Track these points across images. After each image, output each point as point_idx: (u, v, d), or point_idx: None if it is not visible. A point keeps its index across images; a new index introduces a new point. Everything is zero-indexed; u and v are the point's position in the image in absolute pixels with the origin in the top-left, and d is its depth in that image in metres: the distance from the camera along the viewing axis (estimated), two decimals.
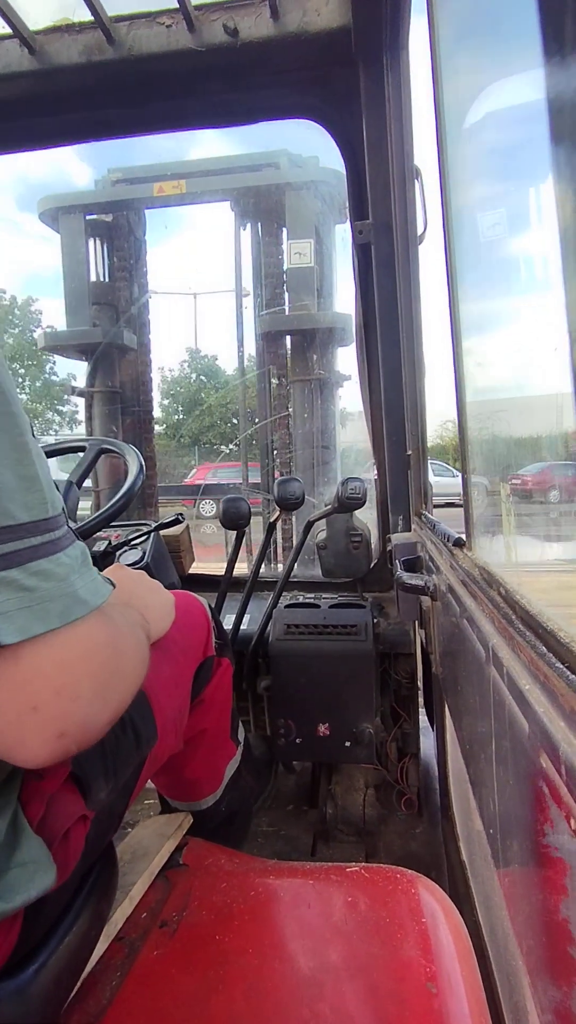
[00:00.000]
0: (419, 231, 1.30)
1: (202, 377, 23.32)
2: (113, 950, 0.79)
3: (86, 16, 1.35)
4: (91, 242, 5.09)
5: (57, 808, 0.62)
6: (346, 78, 1.35)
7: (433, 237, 1.23)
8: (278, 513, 1.49)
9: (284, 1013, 0.69)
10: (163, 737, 0.84)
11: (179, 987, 0.74)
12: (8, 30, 1.36)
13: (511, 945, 0.66)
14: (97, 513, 1.31)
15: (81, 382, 5.48)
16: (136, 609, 0.74)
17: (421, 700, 1.56)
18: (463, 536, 0.82)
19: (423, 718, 1.56)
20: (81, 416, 6.61)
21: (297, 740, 1.43)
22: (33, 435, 0.49)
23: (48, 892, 0.57)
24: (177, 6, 1.30)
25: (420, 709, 1.55)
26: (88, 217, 5.02)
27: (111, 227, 5.12)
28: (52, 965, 0.60)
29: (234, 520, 1.45)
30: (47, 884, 0.57)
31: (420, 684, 1.53)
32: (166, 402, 22.50)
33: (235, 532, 1.49)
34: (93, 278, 5.12)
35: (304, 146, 4.62)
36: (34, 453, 0.47)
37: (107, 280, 5.18)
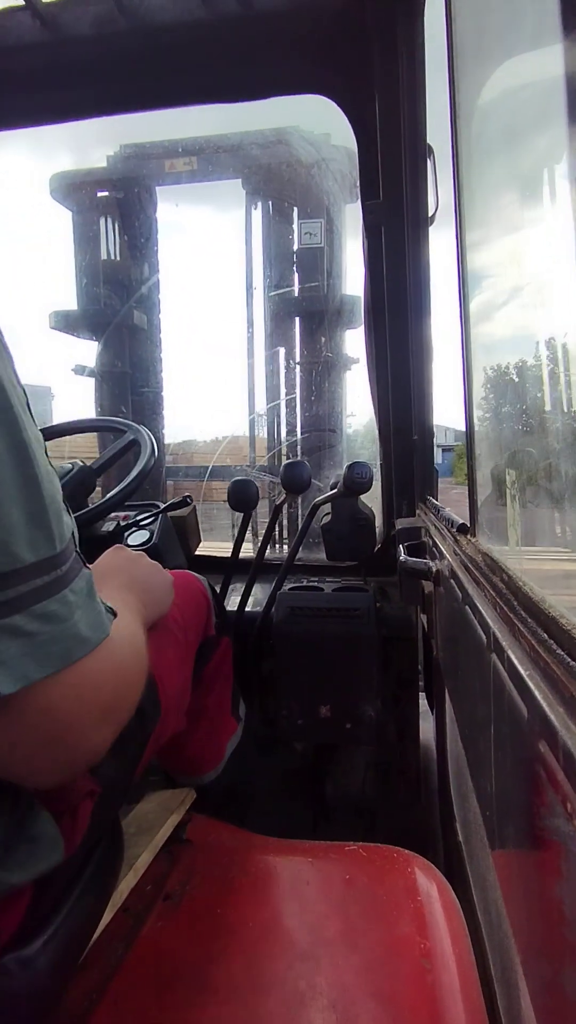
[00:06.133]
0: (430, 212, 1.28)
1: None
2: (118, 921, 0.80)
3: None
4: (102, 220, 5.03)
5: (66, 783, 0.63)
6: (359, 52, 1.32)
7: (444, 218, 1.21)
8: (284, 496, 1.48)
9: (282, 985, 0.71)
10: (166, 716, 0.85)
11: (181, 958, 0.76)
12: (20, 1, 1.34)
13: (504, 924, 0.67)
14: (108, 495, 1.30)
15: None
16: (135, 592, 0.75)
17: (421, 684, 1.57)
18: (467, 522, 0.82)
19: (423, 702, 1.57)
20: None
21: (299, 721, 1.44)
22: (46, 453, 0.46)
23: (56, 866, 0.58)
24: None
25: (420, 693, 1.56)
26: (100, 194, 4.96)
27: (122, 204, 5.05)
28: (59, 936, 0.61)
29: (242, 502, 1.45)
30: (55, 859, 0.58)
31: (421, 668, 1.54)
32: None
33: (241, 514, 1.49)
34: (104, 256, 5.07)
35: (316, 123, 4.54)
36: (43, 480, 0.44)
37: (118, 259, 5.13)
